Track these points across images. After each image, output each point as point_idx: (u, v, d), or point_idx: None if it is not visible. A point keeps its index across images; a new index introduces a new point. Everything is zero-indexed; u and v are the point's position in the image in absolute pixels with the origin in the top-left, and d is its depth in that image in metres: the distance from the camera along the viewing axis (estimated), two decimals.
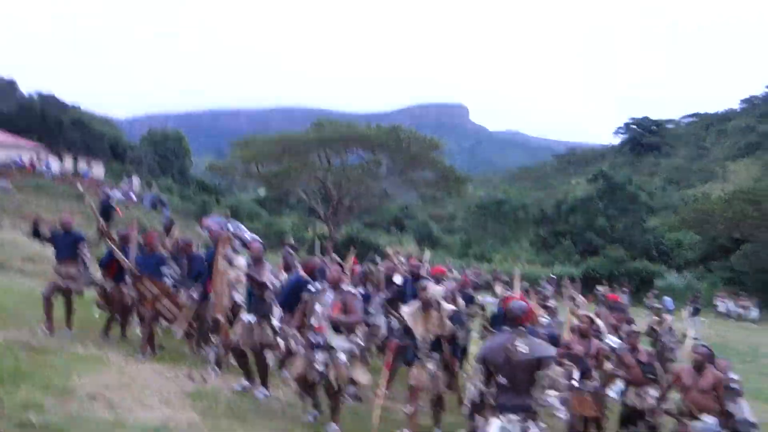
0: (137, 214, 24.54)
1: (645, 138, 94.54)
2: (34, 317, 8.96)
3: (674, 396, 7.88)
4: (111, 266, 8.79)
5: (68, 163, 46.54)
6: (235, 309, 7.89)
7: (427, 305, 6.63)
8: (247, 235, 11.68)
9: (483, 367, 4.45)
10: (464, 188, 44.33)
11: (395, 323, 8.07)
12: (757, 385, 13.15)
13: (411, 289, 8.36)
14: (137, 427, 5.17)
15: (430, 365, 6.66)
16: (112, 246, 8.72)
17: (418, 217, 54.84)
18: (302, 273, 8.32)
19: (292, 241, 14.74)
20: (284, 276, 8.98)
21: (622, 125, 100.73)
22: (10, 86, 69.10)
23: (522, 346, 4.30)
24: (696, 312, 22.73)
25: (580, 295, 20.61)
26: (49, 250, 8.96)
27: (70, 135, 55.57)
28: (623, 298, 22.17)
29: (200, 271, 8.82)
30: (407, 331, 6.91)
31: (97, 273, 9.11)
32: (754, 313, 29.15)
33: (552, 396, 4.33)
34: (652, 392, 7.90)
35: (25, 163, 40.08)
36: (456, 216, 59.83)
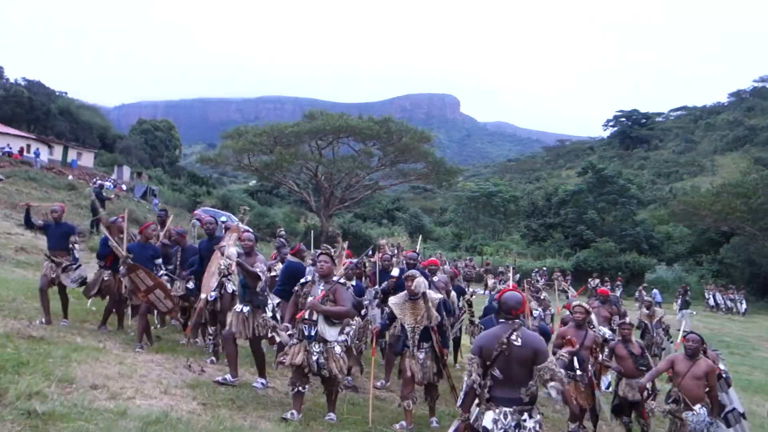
0: (128, 205, 24.42)
1: (634, 131, 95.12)
2: (30, 308, 8.98)
3: (665, 387, 8.02)
4: (108, 256, 8.80)
5: (57, 152, 46.18)
6: (232, 300, 7.92)
7: (414, 295, 6.68)
8: (241, 226, 11.74)
9: (479, 358, 4.39)
10: (455, 180, 44.43)
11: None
12: (746, 377, 13.38)
13: None
14: (139, 416, 5.20)
15: (420, 355, 6.72)
16: (107, 236, 8.73)
17: (409, 209, 54.91)
18: (291, 258, 8.41)
19: (284, 232, 14.84)
20: (280, 266, 9.02)
21: (611, 118, 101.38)
22: None
23: (516, 340, 4.26)
24: (686, 305, 22.96)
25: (571, 288, 20.86)
26: (41, 241, 8.95)
27: (58, 124, 55.11)
28: (617, 292, 22.41)
29: (193, 263, 8.91)
30: (391, 319, 6.99)
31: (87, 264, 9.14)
32: (743, 305, 29.47)
33: (552, 388, 4.33)
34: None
35: (13, 151, 39.73)
36: (447, 208, 60.02)
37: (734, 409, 7.38)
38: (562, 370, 4.60)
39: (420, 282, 6.72)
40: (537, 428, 4.26)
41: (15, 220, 18.17)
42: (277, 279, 8.40)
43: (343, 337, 6.32)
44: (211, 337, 8.12)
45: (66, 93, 69.99)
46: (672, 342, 11.56)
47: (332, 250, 6.76)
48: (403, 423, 6.74)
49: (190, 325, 8.99)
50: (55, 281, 8.59)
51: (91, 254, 14.31)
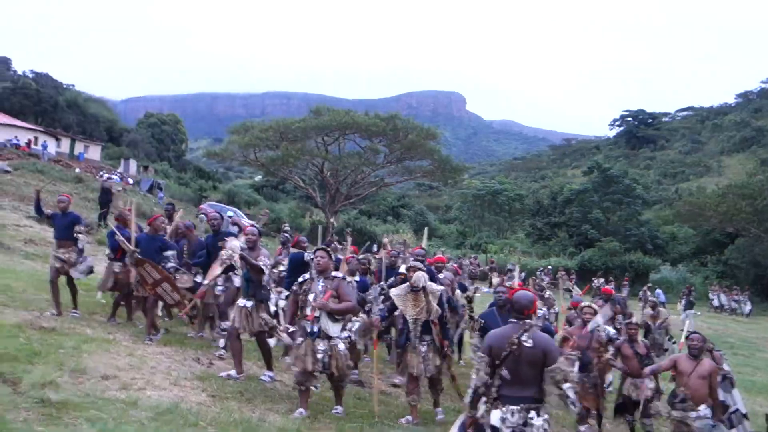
0: (135, 198, 24.54)
1: (640, 131, 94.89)
2: (41, 299, 9.08)
3: (668, 387, 8.05)
4: (117, 248, 8.87)
5: (64, 144, 46.39)
6: (237, 294, 7.93)
7: (415, 288, 6.71)
8: (245, 221, 11.88)
9: (488, 358, 4.38)
10: (460, 178, 44.44)
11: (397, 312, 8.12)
12: (750, 377, 13.41)
13: None
14: (150, 406, 5.29)
15: (422, 347, 6.75)
16: (114, 230, 8.80)
17: (414, 206, 54.97)
18: (293, 250, 8.49)
19: (288, 228, 14.94)
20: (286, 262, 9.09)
21: (617, 117, 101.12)
22: (4, 65, 68.66)
23: (527, 340, 4.25)
24: (690, 305, 22.99)
25: (576, 287, 20.87)
26: (50, 233, 9.05)
27: (65, 116, 55.33)
28: (623, 292, 22.44)
29: (201, 256, 8.93)
30: (390, 311, 7.00)
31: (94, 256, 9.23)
32: (747, 306, 29.45)
33: (568, 388, 4.30)
34: (649, 383, 8.07)
35: (21, 143, 39.93)
36: (452, 206, 60.05)
37: (737, 410, 7.44)
38: (575, 370, 4.60)
39: (420, 276, 6.75)
40: (545, 426, 4.24)
41: (23, 212, 18.32)
42: (284, 274, 8.47)
43: (345, 333, 6.37)
44: (222, 331, 8.00)
45: (73, 86, 70.31)
46: (675, 342, 11.58)
47: (339, 247, 6.83)
48: (409, 417, 6.81)
49: (197, 318, 9.10)
50: (61, 271, 8.63)
51: (98, 246, 14.45)
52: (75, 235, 8.71)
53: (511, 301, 4.62)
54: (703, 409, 6.65)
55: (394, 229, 45.08)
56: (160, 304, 8.84)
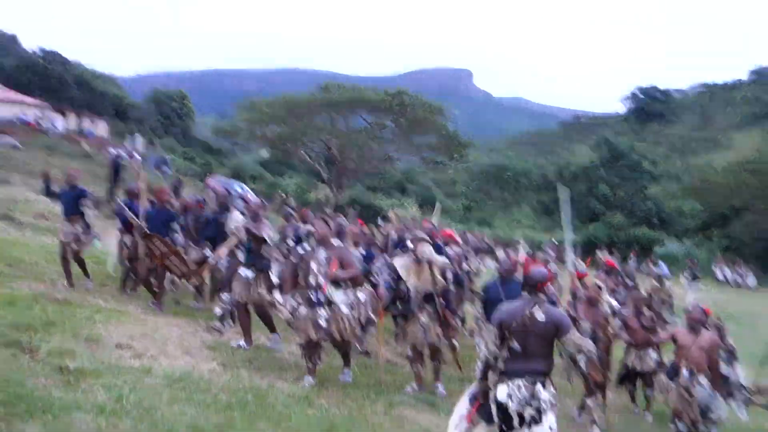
0: (143, 172, 24.69)
1: (651, 106, 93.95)
2: (52, 271, 9.27)
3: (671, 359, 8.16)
4: (130, 222, 8.99)
5: (72, 121, 46.49)
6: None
7: (420, 258, 6.81)
8: (250, 195, 11.98)
9: (498, 330, 4.40)
10: (467, 153, 44.40)
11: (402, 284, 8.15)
12: (752, 350, 13.52)
13: None
14: (164, 374, 5.49)
15: (423, 317, 6.84)
16: (122, 205, 8.93)
17: (420, 182, 54.93)
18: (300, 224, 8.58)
19: (293, 203, 15.02)
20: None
21: (628, 93, 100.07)
22: (11, 41, 68.43)
23: (539, 313, 4.32)
24: (694, 278, 23.05)
25: (580, 260, 20.94)
26: (59, 207, 9.16)
27: (73, 93, 55.35)
28: (630, 264, 22.51)
29: (209, 231, 9.03)
30: (396, 281, 7.05)
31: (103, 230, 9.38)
32: (752, 280, 29.54)
33: (582, 360, 4.38)
34: (653, 355, 8.19)
35: (29, 120, 40.07)
36: (458, 181, 59.94)
37: (739, 382, 7.53)
38: (590, 341, 4.63)
39: (425, 248, 6.88)
40: (551, 400, 4.29)
41: (33, 188, 18.49)
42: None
43: (350, 298, 6.39)
44: (223, 305, 7.93)
45: (81, 62, 70.10)
46: (677, 316, 11.69)
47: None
48: (414, 385, 6.99)
49: (203, 290, 9.25)
50: (69, 246, 8.70)
51: (106, 221, 14.60)
52: (82, 209, 8.82)
53: (524, 276, 4.64)
54: (702, 380, 6.71)
55: (400, 204, 45.19)
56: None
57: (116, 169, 20.28)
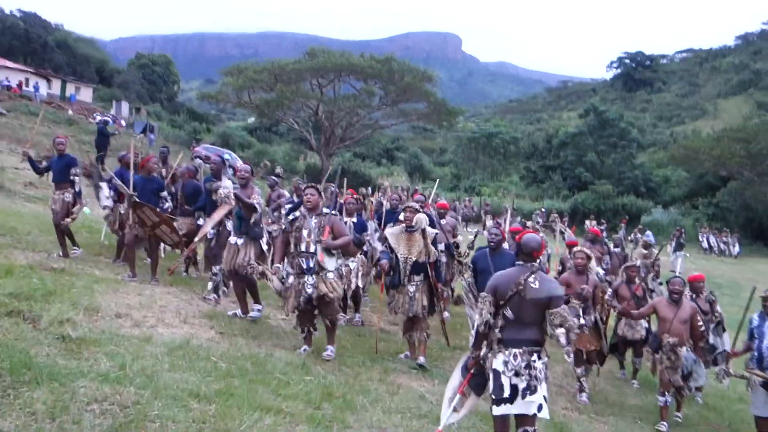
0: (129, 141, 24.50)
1: (638, 73, 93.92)
2: (46, 241, 9.27)
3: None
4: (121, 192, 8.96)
5: (55, 86, 45.78)
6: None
7: (410, 228, 6.86)
8: (239, 164, 11.87)
9: (492, 298, 4.38)
10: (455, 121, 44.28)
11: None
12: (736, 316, 13.79)
13: None
14: (163, 342, 5.57)
15: (411, 288, 6.89)
16: (111, 174, 8.90)
17: (408, 149, 54.87)
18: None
19: (280, 171, 14.89)
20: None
21: (615, 59, 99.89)
22: None
23: (533, 282, 4.31)
24: (680, 247, 23.38)
25: (568, 229, 21.21)
26: (49, 176, 9.10)
27: (55, 57, 54.39)
28: (620, 233, 22.78)
29: (201, 200, 8.99)
30: (393, 250, 7.01)
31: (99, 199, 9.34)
32: (736, 248, 29.99)
33: (561, 333, 4.42)
34: (644, 323, 8.35)
35: (12, 84, 39.42)
36: (446, 148, 59.91)
37: (724, 350, 7.71)
38: (575, 319, 4.64)
39: (421, 217, 6.93)
40: (544, 369, 4.33)
41: (20, 155, 18.32)
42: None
43: (338, 265, 6.43)
44: (214, 276, 7.98)
45: (62, 25, 68.82)
46: (662, 285, 11.89)
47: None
48: (407, 353, 7.14)
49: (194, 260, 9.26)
50: (59, 215, 8.66)
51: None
52: (71, 177, 8.81)
53: (519, 244, 4.61)
54: (684, 352, 6.84)
55: (389, 172, 45.18)
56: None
57: (103, 136, 20.08)
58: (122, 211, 8.95)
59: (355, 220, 8.57)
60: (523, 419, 4.29)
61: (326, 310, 6.38)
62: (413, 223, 6.84)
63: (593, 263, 8.19)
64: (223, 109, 62.42)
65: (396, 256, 6.92)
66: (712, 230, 31.75)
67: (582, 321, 7.15)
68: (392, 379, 6.22)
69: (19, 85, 40.28)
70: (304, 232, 6.26)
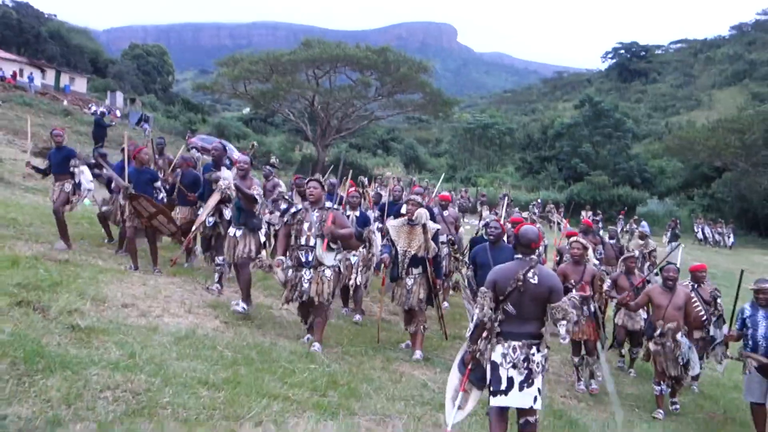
0: (126, 132, 24.49)
1: (633, 63, 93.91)
2: (48, 232, 9.31)
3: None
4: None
5: (49, 76, 45.55)
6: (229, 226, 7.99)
7: (412, 222, 6.91)
8: (236, 154, 11.83)
9: (492, 293, 4.37)
10: (451, 111, 44.29)
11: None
12: (730, 307, 13.96)
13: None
14: (170, 332, 5.66)
15: (409, 281, 6.97)
16: (105, 166, 8.93)
17: (404, 140, 54.89)
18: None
19: (275, 161, 14.89)
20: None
21: (610, 50, 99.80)
22: None
23: (533, 278, 4.29)
24: (675, 237, 23.54)
25: (564, 220, 21.35)
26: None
27: (48, 47, 54.09)
28: (618, 225, 22.93)
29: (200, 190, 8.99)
30: (393, 243, 7.06)
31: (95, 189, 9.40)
32: (730, 239, 30.15)
33: (563, 327, 4.45)
34: (642, 314, 8.45)
35: (6, 75, 39.23)
36: (442, 139, 59.95)
37: (721, 342, 7.83)
38: (575, 311, 4.68)
39: (422, 212, 6.98)
40: (543, 362, 4.35)
41: (18, 146, 18.30)
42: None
43: (336, 262, 6.44)
44: (218, 266, 8.04)
45: (55, 15, 68.34)
46: (658, 275, 11.99)
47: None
48: (408, 342, 7.24)
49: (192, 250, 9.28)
50: (59, 204, 8.67)
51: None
52: (71, 169, 8.83)
53: (517, 236, 4.58)
54: (680, 338, 6.95)
55: (384, 163, 45.23)
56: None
57: (100, 127, 20.06)
58: (122, 202, 8.97)
59: (357, 213, 8.60)
60: (522, 409, 4.32)
61: (315, 310, 6.43)
62: (414, 218, 6.90)
63: (590, 253, 8.26)
64: (219, 99, 62.21)
65: (396, 249, 6.99)
66: (707, 221, 31.91)
67: (584, 311, 7.24)
68: (394, 367, 6.33)
69: (14, 76, 40.06)
70: (305, 226, 6.32)
